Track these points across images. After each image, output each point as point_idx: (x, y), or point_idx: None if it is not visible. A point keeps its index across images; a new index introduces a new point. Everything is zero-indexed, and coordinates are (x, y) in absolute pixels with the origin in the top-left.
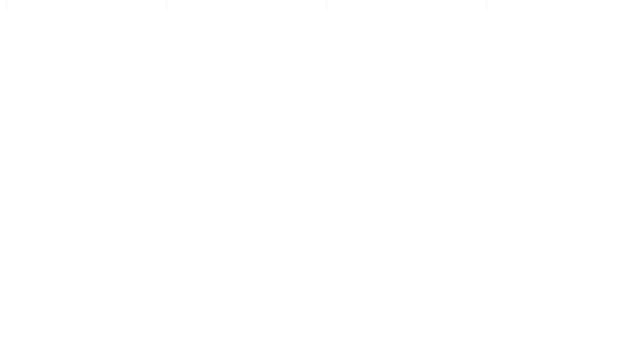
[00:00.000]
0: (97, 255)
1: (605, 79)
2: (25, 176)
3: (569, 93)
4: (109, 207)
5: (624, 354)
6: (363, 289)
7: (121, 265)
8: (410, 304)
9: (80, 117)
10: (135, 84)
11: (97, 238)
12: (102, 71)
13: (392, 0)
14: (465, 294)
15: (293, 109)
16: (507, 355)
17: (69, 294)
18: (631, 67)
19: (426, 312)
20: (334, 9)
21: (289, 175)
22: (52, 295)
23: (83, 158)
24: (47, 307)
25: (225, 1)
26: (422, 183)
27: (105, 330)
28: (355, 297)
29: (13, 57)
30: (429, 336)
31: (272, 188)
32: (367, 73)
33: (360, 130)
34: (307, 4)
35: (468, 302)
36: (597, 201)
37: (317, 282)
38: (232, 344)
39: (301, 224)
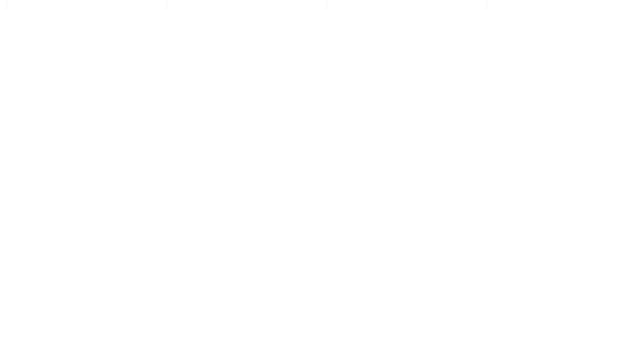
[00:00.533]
0: (97, 255)
1: (605, 78)
2: (25, 176)
3: (568, 93)
4: (109, 206)
5: (624, 354)
6: (363, 289)
7: (121, 265)
8: (410, 304)
9: (81, 117)
10: (136, 83)
11: (97, 238)
12: (102, 71)
13: (392, 0)
14: (465, 294)
15: (293, 108)
16: (507, 355)
17: (69, 294)
18: (631, 67)
19: (426, 312)
20: (334, 9)
21: (289, 175)
22: (52, 295)
23: (83, 157)
24: (47, 307)
25: (225, 1)
26: (422, 183)
27: (105, 331)
28: (356, 297)
29: (13, 57)
30: (429, 336)
31: (272, 188)
32: (367, 73)
33: (360, 130)
34: (307, 4)
35: (468, 302)
36: (597, 201)
37: (317, 282)
38: (232, 344)
39: (301, 224)
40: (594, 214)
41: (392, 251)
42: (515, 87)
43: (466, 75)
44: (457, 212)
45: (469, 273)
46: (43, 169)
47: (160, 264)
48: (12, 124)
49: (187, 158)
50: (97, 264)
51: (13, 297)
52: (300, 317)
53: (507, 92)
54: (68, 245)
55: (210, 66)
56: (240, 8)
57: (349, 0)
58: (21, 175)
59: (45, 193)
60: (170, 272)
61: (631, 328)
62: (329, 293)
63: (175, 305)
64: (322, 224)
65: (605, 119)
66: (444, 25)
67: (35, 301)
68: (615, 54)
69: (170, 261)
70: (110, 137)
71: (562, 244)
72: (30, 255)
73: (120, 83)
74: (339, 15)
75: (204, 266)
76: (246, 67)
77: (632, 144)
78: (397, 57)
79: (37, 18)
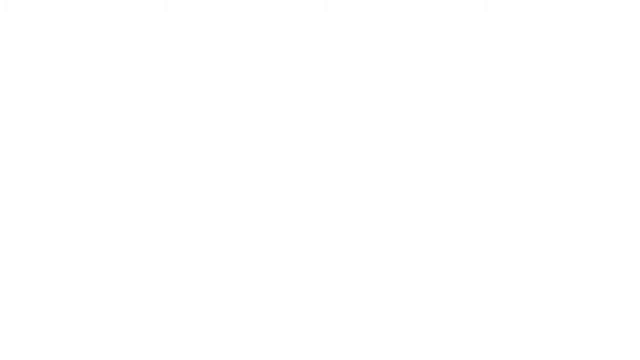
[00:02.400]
0: (97, 255)
1: (605, 78)
2: (25, 176)
3: (568, 93)
4: (109, 206)
5: (624, 354)
6: (363, 289)
7: (121, 265)
8: (410, 304)
9: (81, 117)
10: (136, 83)
11: (97, 238)
12: (102, 71)
13: (392, 0)
14: (465, 294)
15: (293, 108)
16: (507, 355)
17: (69, 294)
18: (631, 67)
19: (426, 312)
20: (334, 9)
21: (289, 175)
22: (52, 295)
23: (83, 158)
24: (47, 307)
25: (225, 1)
26: (422, 183)
27: (105, 331)
28: (355, 297)
29: (13, 57)
30: (429, 336)
31: (272, 188)
32: (367, 73)
33: (360, 130)
34: (307, 4)
35: (468, 302)
36: (597, 201)
37: (317, 282)
38: (232, 344)
39: (301, 224)
40: (594, 214)
41: (392, 251)
42: (515, 86)
43: (466, 75)
44: (457, 211)
45: (468, 273)
46: (43, 168)
47: (161, 263)
48: (12, 124)
49: (187, 157)
50: (97, 264)
51: (13, 297)
52: (300, 317)
53: (507, 92)
54: (68, 244)
55: (210, 66)
56: (240, 8)
57: (349, 0)
58: (21, 175)
59: (45, 192)
60: (170, 271)
61: (631, 328)
62: (329, 293)
63: (175, 305)
64: (322, 224)
65: (605, 119)
66: (444, 25)
67: (35, 301)
68: (615, 54)
69: (170, 261)
70: (110, 136)
71: (562, 243)
72: (30, 255)
73: (120, 83)
74: (339, 15)
75: (203, 266)
76: (246, 67)
77: (632, 144)
78: (397, 57)
79: (37, 18)
